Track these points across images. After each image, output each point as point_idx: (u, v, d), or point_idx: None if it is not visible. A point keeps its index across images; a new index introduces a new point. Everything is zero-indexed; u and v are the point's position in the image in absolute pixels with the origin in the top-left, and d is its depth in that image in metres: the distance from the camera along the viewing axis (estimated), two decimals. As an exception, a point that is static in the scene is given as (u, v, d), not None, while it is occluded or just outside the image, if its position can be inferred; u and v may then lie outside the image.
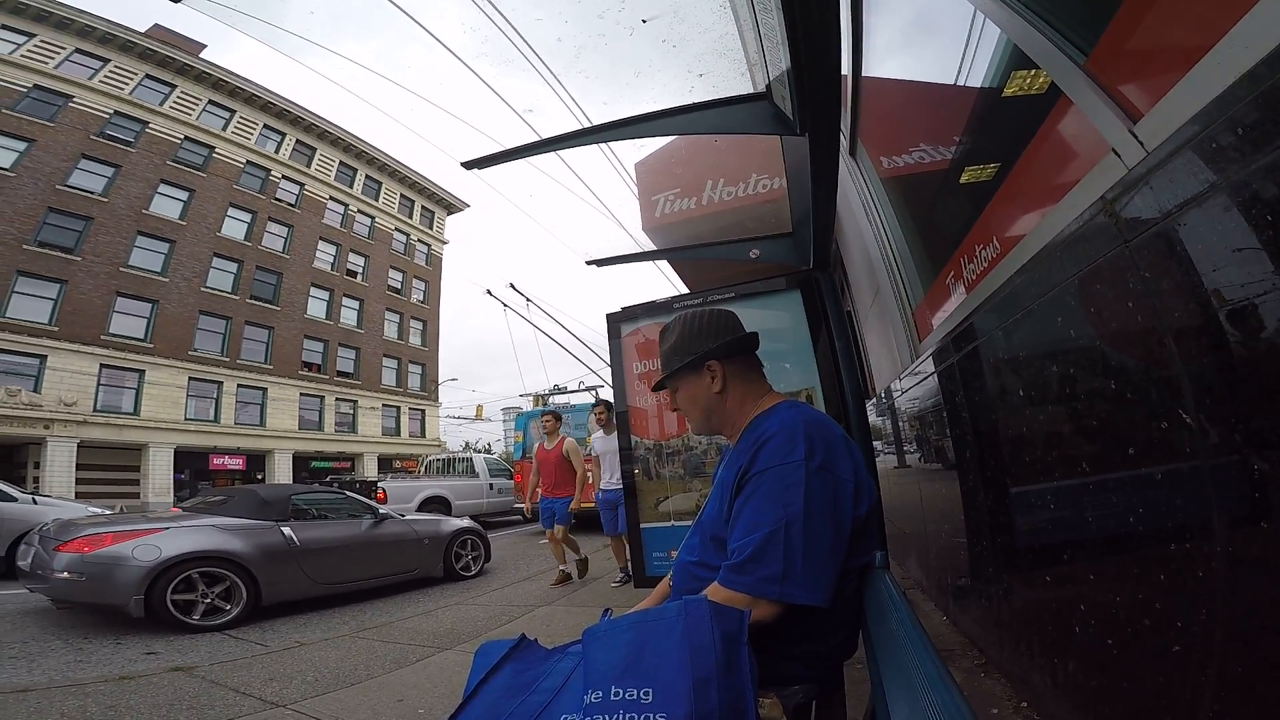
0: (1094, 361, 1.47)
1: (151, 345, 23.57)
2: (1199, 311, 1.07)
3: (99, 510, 10.72)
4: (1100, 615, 1.56)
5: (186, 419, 24.31)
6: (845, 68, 3.78)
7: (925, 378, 3.30)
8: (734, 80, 3.15)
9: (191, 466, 24.83)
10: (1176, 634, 1.23)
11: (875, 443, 5.32)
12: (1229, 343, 1.01)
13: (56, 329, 20.99)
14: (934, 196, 3.04)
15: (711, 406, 1.39)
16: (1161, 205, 1.12)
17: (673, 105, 3.09)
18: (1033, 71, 1.70)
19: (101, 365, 22.06)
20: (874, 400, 5.70)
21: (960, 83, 2.34)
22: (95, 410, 21.63)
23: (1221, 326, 1.02)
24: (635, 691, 0.83)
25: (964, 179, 2.47)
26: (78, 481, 20.59)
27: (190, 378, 24.66)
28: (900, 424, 4.44)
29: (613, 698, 0.83)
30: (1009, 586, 2.31)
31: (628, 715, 0.81)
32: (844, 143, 4.46)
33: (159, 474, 23.28)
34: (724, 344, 1.39)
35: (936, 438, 3.31)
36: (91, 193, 22.78)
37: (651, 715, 0.80)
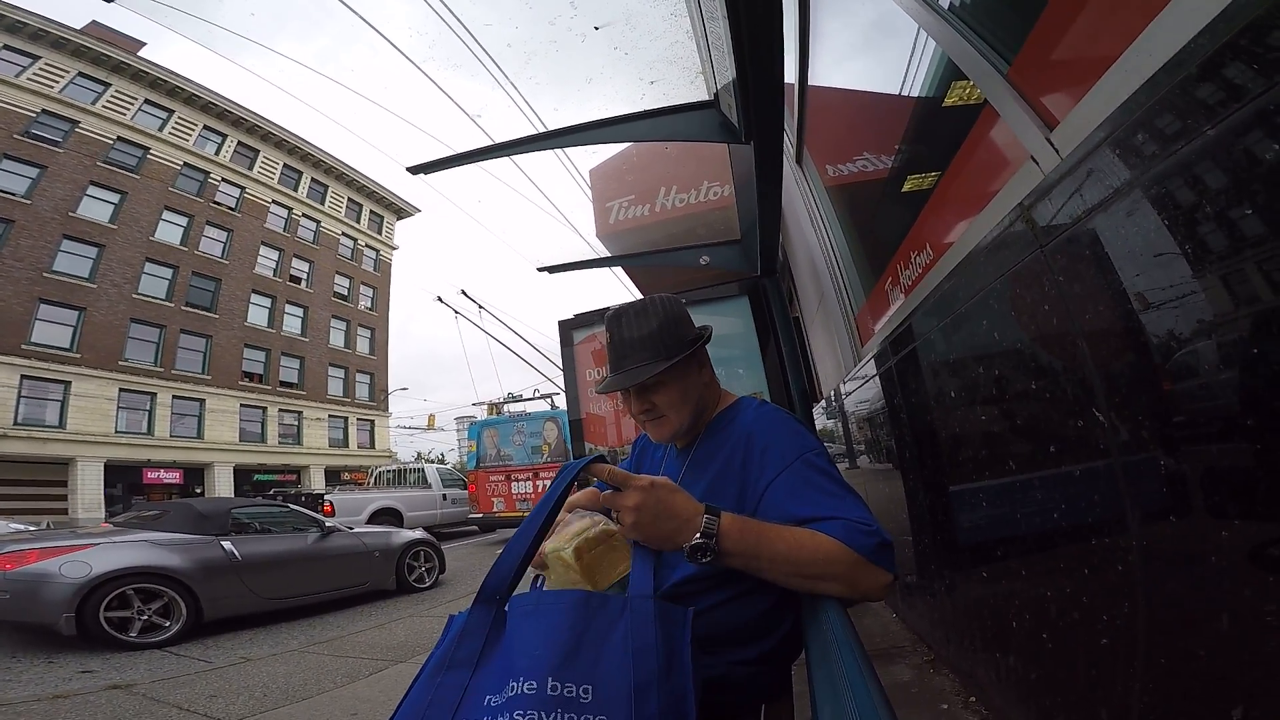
0: (1019, 364, 1.52)
1: (78, 355, 22.23)
2: (1108, 314, 1.12)
3: (22, 526, 10.11)
4: (1034, 610, 1.61)
5: (117, 432, 23.01)
6: (792, 76, 3.85)
7: (867, 381, 3.38)
8: (684, 88, 3.18)
9: (124, 481, 23.47)
10: (1103, 627, 1.27)
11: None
12: (1136, 344, 1.06)
13: (-30, 339, 19.62)
14: (873, 203, 3.12)
15: (700, 399, 1.23)
16: (1072, 211, 1.17)
17: (624, 112, 3.10)
18: (963, 82, 1.76)
19: (22, 376, 20.67)
20: (820, 403, 5.81)
21: (898, 92, 2.41)
22: (15, 424, 20.26)
23: (1128, 328, 1.07)
24: (575, 688, 0.78)
25: (900, 186, 2.54)
26: (-3, 498, 19.30)
27: (121, 389, 23.34)
28: (846, 426, 4.53)
29: (550, 691, 0.77)
30: (952, 583, 2.37)
31: (566, 715, 0.76)
32: (790, 150, 4.54)
33: (89, 489, 21.97)
34: (709, 329, 1.25)
35: (879, 438, 3.39)
36: (12, 194, 21.38)
37: (591, 717, 0.76)
